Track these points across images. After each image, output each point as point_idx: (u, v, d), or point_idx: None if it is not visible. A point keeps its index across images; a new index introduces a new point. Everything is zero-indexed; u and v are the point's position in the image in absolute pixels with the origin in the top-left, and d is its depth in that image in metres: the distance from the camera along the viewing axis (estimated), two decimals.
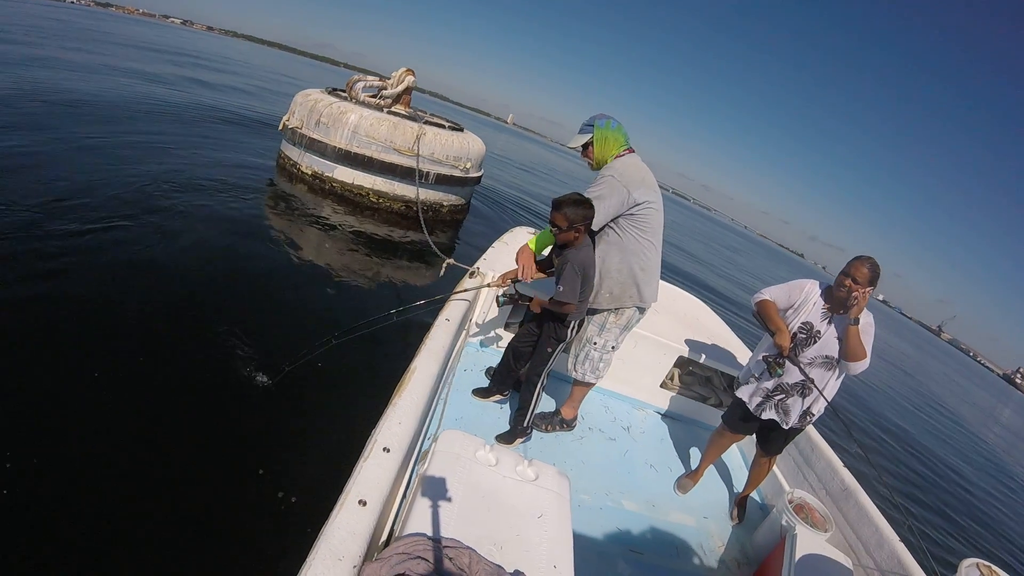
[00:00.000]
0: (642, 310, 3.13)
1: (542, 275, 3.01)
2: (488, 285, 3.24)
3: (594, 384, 3.32)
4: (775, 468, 3.43)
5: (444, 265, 3.58)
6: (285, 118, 8.88)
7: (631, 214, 2.87)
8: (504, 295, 3.04)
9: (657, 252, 3.05)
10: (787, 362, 2.82)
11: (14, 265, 4.28)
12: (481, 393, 3.46)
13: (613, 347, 3.19)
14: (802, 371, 2.78)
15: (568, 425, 3.47)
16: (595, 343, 3.14)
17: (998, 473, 10.69)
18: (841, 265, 2.74)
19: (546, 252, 3.07)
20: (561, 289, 2.69)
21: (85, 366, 3.46)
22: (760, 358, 2.96)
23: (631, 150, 2.95)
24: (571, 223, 2.62)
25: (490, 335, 4.05)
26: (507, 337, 4.01)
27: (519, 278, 2.95)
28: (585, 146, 2.94)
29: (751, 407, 2.98)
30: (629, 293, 2.99)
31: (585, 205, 2.65)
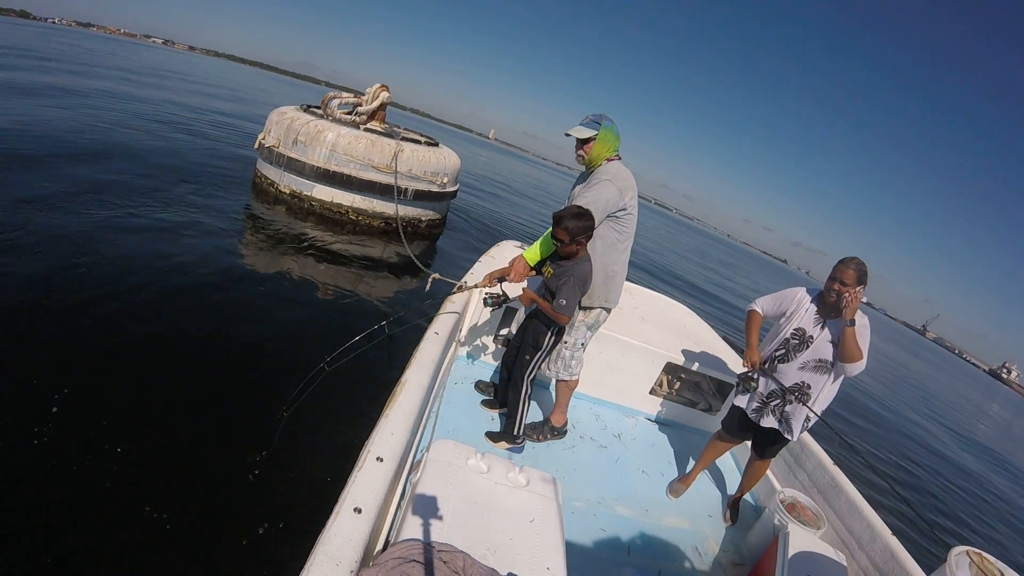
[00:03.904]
0: (608, 311, 3.18)
1: (530, 273, 3.06)
2: (475, 286, 3.25)
3: (570, 382, 3.33)
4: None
5: (431, 280, 3.57)
6: (261, 136, 8.82)
7: (616, 217, 2.95)
8: (490, 296, 3.04)
9: (627, 256, 3.12)
10: (761, 376, 2.91)
11: None
12: (488, 404, 3.54)
13: (583, 344, 3.22)
14: (778, 382, 2.84)
15: (558, 432, 3.48)
16: (565, 342, 3.18)
17: (989, 463, 10.83)
18: (824, 268, 2.78)
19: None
20: (564, 303, 2.74)
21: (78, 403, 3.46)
22: (737, 375, 3.05)
23: (619, 156, 3.02)
24: (573, 236, 2.68)
25: (479, 348, 4.06)
26: (495, 349, 4.05)
27: (507, 277, 2.99)
28: (585, 140, 2.94)
29: (748, 413, 3.03)
30: (599, 293, 3.04)
31: (585, 217, 2.70)
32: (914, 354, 53.08)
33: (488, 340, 4.05)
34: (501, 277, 3.04)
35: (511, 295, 3.12)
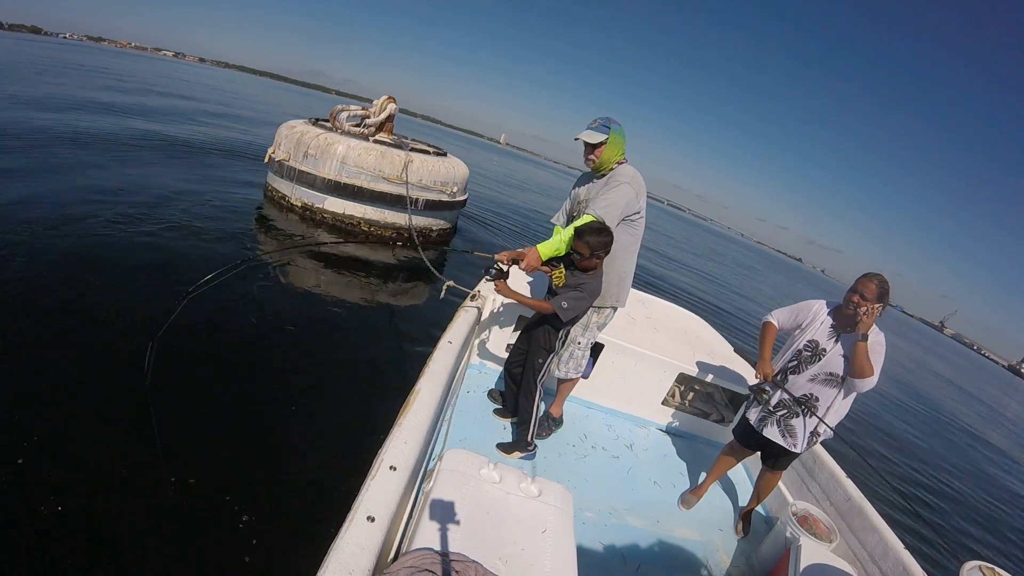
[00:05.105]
0: (615, 310, 3.26)
1: (542, 269, 3.05)
2: (492, 255, 3.15)
3: (576, 379, 3.43)
4: (779, 482, 3.44)
5: (444, 287, 3.61)
6: (271, 150, 8.91)
7: (631, 220, 3.01)
8: (496, 267, 3.02)
9: (636, 257, 3.20)
10: (771, 389, 2.93)
11: None
12: (500, 413, 3.57)
13: (591, 343, 3.33)
14: (789, 394, 2.84)
15: (558, 423, 3.60)
16: (579, 343, 3.25)
17: (1005, 472, 10.65)
18: (839, 267, 2.76)
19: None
20: (565, 306, 2.78)
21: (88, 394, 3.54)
22: (750, 386, 3.08)
23: (626, 159, 3.05)
24: (593, 251, 2.70)
25: (492, 356, 4.08)
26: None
27: (520, 264, 2.99)
28: (596, 145, 2.95)
29: (752, 422, 3.04)
30: (611, 294, 3.11)
31: (605, 233, 2.72)
32: (932, 352, 52.46)
33: (502, 349, 4.06)
34: (515, 260, 3.04)
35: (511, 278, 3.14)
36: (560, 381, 3.47)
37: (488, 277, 3.07)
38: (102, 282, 4.96)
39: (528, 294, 3.46)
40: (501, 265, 3.06)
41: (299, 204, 8.83)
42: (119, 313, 4.50)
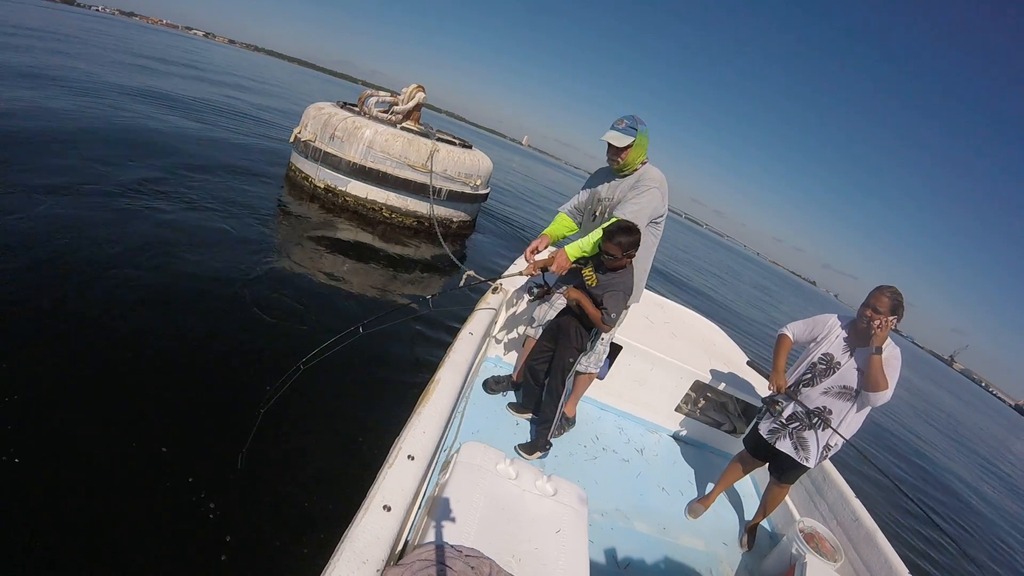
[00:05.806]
0: (629, 307, 3.33)
1: (571, 266, 3.09)
2: (520, 273, 3.26)
3: (594, 374, 3.44)
4: (787, 496, 3.42)
5: (464, 276, 3.60)
6: (297, 130, 8.93)
7: (656, 223, 3.05)
8: (537, 286, 3.13)
9: (653, 258, 3.26)
10: (784, 400, 2.94)
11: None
12: (516, 408, 3.57)
13: (610, 340, 3.37)
14: (803, 406, 2.85)
15: (571, 423, 3.61)
16: (602, 339, 3.28)
17: (1010, 501, 10.64)
18: (854, 293, 2.77)
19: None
20: (614, 316, 2.85)
21: (91, 382, 3.41)
22: (763, 398, 3.13)
23: (648, 159, 3.06)
24: (624, 251, 2.74)
25: (508, 350, 4.09)
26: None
27: (549, 268, 3.03)
28: (622, 147, 2.92)
29: (764, 434, 3.04)
30: (634, 293, 3.14)
31: (634, 231, 2.75)
32: (940, 385, 52.11)
33: (517, 342, 4.05)
34: (544, 268, 3.08)
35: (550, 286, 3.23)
36: (577, 374, 3.47)
37: (534, 298, 3.16)
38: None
39: None
40: (540, 283, 3.15)
41: (322, 186, 8.86)
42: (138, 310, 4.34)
